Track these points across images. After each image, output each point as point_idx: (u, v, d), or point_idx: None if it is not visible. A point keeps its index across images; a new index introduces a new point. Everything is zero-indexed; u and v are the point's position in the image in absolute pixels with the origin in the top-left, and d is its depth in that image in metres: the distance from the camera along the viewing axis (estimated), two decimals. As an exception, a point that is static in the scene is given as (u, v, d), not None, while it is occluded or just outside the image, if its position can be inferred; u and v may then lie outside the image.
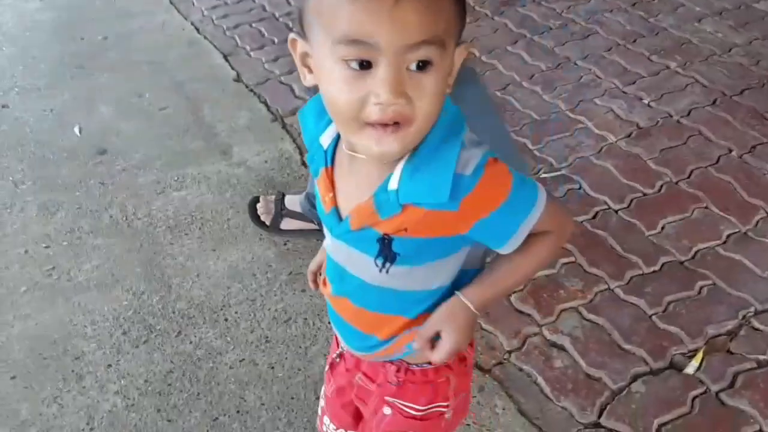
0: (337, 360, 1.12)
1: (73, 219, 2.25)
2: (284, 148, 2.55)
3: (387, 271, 0.88)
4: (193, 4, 3.62)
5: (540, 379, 1.74)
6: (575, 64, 2.95)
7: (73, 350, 1.82)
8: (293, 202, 2.15)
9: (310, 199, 2.08)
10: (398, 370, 1.03)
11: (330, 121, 0.89)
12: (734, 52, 2.96)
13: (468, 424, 1.63)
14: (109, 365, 1.78)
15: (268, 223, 2.16)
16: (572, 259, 2.06)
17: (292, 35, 0.80)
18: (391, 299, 0.93)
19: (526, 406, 1.68)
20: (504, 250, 0.88)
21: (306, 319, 1.90)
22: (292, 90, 2.85)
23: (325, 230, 0.96)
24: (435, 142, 0.81)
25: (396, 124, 0.75)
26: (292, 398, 1.70)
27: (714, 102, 2.67)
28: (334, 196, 0.90)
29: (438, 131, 0.81)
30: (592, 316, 1.89)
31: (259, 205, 2.19)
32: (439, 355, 0.94)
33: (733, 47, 2.99)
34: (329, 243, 0.96)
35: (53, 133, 2.66)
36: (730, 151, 2.43)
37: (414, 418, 1.05)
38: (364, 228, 0.86)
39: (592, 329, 1.86)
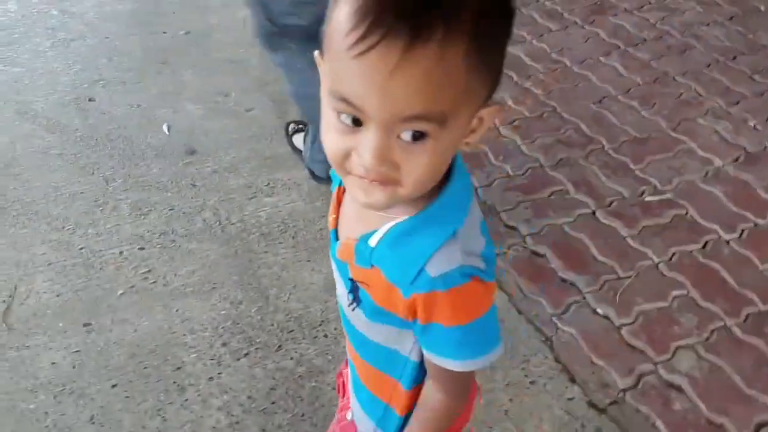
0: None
1: (166, 221, 2.21)
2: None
3: (353, 310, 0.88)
4: (274, 0, 3.57)
5: (659, 423, 1.65)
6: (674, 79, 2.83)
7: (174, 360, 1.79)
8: None
9: None
10: None
11: None
12: None
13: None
14: (211, 378, 1.74)
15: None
16: (684, 291, 1.97)
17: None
18: (364, 343, 0.93)
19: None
20: (434, 359, 0.83)
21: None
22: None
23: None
24: (425, 223, 0.76)
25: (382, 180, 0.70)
26: (398, 425, 1.64)
27: (831, 129, 2.54)
28: (337, 218, 0.89)
29: (435, 208, 0.76)
30: (710, 356, 1.80)
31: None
32: None
33: None
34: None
35: (141, 129, 2.63)
36: None
37: None
38: (344, 262, 0.86)
39: (711, 370, 1.77)
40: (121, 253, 2.10)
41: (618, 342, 1.84)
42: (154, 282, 2.00)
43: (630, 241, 2.14)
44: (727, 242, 2.12)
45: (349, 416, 1.09)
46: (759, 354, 1.80)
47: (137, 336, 1.85)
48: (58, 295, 1.96)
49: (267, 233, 2.17)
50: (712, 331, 1.86)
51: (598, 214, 2.23)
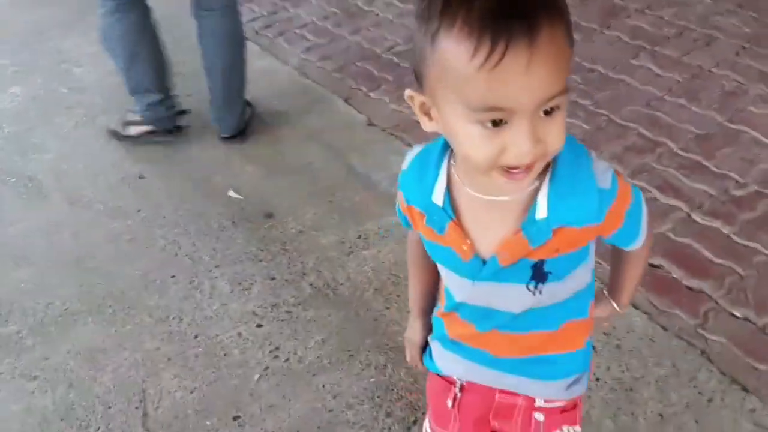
0: (460, 394, 1.11)
1: (272, 291, 2.10)
2: (453, 191, 2.42)
3: (540, 292, 0.92)
4: (286, 48, 3.48)
5: None
6: (710, 71, 2.86)
7: (343, 440, 1.68)
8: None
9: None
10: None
11: (435, 177, 0.91)
12: None
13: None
14: (390, 453, 1.65)
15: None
16: (810, 280, 1.96)
17: (408, 92, 0.84)
18: (542, 316, 0.97)
19: None
20: (634, 247, 1.01)
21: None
22: (432, 128, 2.73)
23: (454, 277, 0.97)
24: (568, 166, 0.86)
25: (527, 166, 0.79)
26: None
27: None
28: (472, 244, 0.91)
29: (564, 154, 0.84)
30: None
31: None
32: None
33: None
34: (465, 289, 0.96)
35: (207, 199, 2.49)
36: None
37: (565, 410, 1.08)
38: (516, 262, 0.89)
39: None
40: (239, 334, 1.97)
41: (769, 342, 1.82)
42: (286, 360, 1.89)
43: (736, 238, 2.12)
44: (831, 226, 2.14)
45: (540, 417, 1.08)
46: None
47: (295, 421, 1.73)
48: (191, 392, 1.83)
49: (380, 288, 2.07)
50: None
51: (694, 216, 2.22)
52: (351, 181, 2.52)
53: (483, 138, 0.76)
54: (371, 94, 3.02)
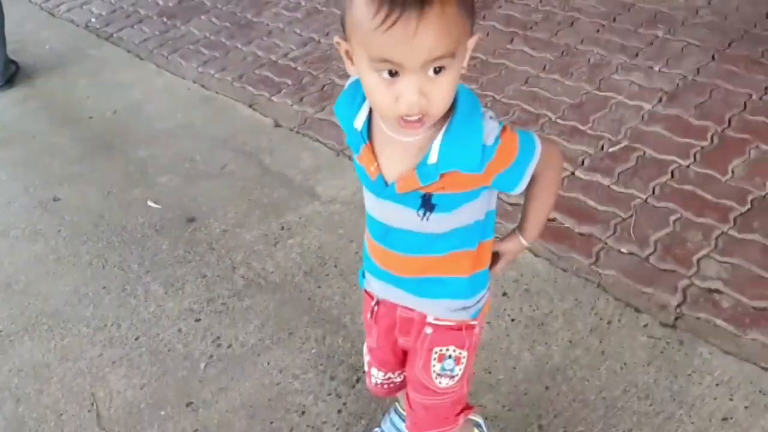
0: (376, 308, 1.28)
1: (205, 288, 2.17)
2: (363, 177, 2.57)
3: (427, 219, 1.08)
4: (182, 64, 3.53)
5: (720, 321, 1.89)
6: (576, 48, 3.16)
7: (295, 407, 1.78)
8: None
9: None
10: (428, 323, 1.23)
11: (359, 106, 1.07)
12: (702, 14, 3.28)
13: (690, 375, 1.76)
14: (339, 411, 1.76)
15: None
16: (678, 215, 2.24)
17: (336, 38, 0.99)
18: (430, 242, 1.12)
19: (725, 347, 1.83)
20: (515, 192, 1.10)
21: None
22: (335, 123, 2.87)
23: (368, 194, 1.13)
24: (461, 120, 1.00)
25: (420, 118, 0.94)
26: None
27: (713, 58, 2.96)
28: (379, 166, 1.06)
29: (461, 111, 1.00)
30: (726, 258, 2.07)
31: None
32: (499, 271, 1.28)
33: (699, 9, 3.31)
34: (374, 204, 1.13)
35: (128, 212, 2.53)
36: (751, 95, 2.72)
37: (453, 329, 1.23)
38: (409, 192, 1.05)
39: (733, 268, 2.04)
40: (180, 330, 2.04)
41: (652, 270, 2.07)
42: (229, 346, 1.97)
43: (614, 187, 2.39)
44: (687, 167, 2.44)
45: (428, 330, 1.23)
46: (761, 245, 2.11)
47: (246, 398, 1.82)
48: (141, 388, 1.88)
49: (309, 271, 2.19)
50: (716, 239, 2.15)
51: (577, 173, 2.47)
52: (267, 180, 2.63)
53: (380, 85, 0.91)
54: (274, 99, 3.13)
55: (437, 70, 0.90)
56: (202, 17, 3.94)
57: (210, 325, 2.04)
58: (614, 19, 3.33)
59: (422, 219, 1.09)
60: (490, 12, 3.54)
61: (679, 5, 3.37)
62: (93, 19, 4.09)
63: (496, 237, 1.21)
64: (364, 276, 1.30)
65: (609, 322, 1.91)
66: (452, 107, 1.00)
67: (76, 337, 2.05)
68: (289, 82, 3.23)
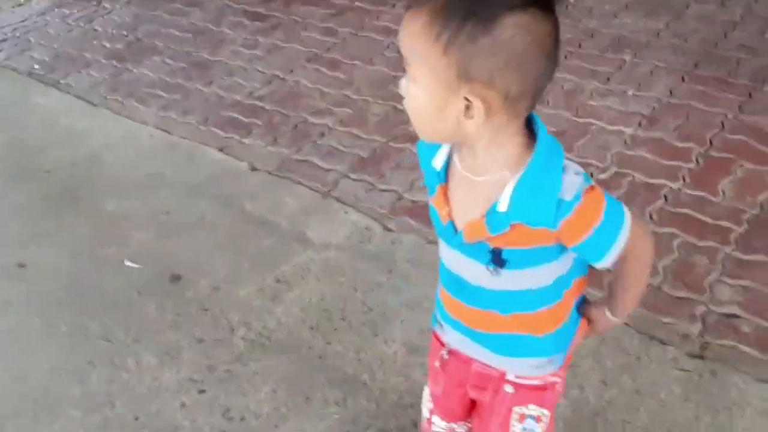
0: (447, 357, 1.19)
1: (203, 353, 1.99)
2: (355, 220, 2.44)
3: (498, 275, 1.01)
4: (140, 108, 3.32)
5: (743, 347, 1.85)
6: (547, 76, 3.13)
7: (325, 482, 1.62)
8: None
9: None
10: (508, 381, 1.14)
11: (439, 146, 1.03)
12: (663, 36, 3.32)
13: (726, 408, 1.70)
14: (375, 482, 1.62)
15: None
16: (681, 239, 2.21)
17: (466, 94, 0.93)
18: (504, 298, 1.04)
19: (757, 374, 1.78)
20: (600, 266, 1.00)
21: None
22: (316, 164, 2.74)
23: (440, 240, 1.07)
24: (538, 168, 0.93)
25: None
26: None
27: (683, 79, 2.98)
28: (450, 211, 1.01)
29: (539, 158, 0.93)
30: (736, 281, 2.04)
31: None
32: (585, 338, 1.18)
33: (659, 32, 3.36)
34: (445, 252, 1.07)
35: (104, 274, 2.31)
36: (726, 115, 2.74)
37: (536, 388, 1.14)
38: (477, 241, 0.99)
39: (745, 290, 2.01)
40: (183, 404, 1.84)
41: (667, 298, 2.02)
42: (242, 419, 1.79)
43: (612, 215, 2.35)
44: (679, 189, 2.42)
45: (509, 389, 1.13)
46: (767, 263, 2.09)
47: (270, 476, 1.65)
48: (150, 475, 1.68)
49: (315, 326, 2.04)
50: (722, 262, 2.12)
51: (573, 202, 2.42)
52: (250, 228, 2.46)
53: None
54: (245, 141, 2.97)
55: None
56: (155, 58, 3.74)
57: (216, 395, 1.86)
58: (579, 45, 3.33)
59: (492, 275, 1.01)
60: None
61: (639, 29, 3.40)
62: (36, 66, 3.82)
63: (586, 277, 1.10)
64: (436, 320, 1.19)
65: (638, 358, 1.84)
66: (531, 153, 0.93)
67: (67, 421, 1.83)
68: (259, 122, 3.08)
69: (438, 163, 1.02)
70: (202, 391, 1.88)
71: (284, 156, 2.83)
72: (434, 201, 1.04)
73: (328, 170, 2.71)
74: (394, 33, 3.75)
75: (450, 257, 1.07)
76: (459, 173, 0.99)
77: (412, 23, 0.87)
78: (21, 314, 2.19)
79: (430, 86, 0.89)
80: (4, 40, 4.13)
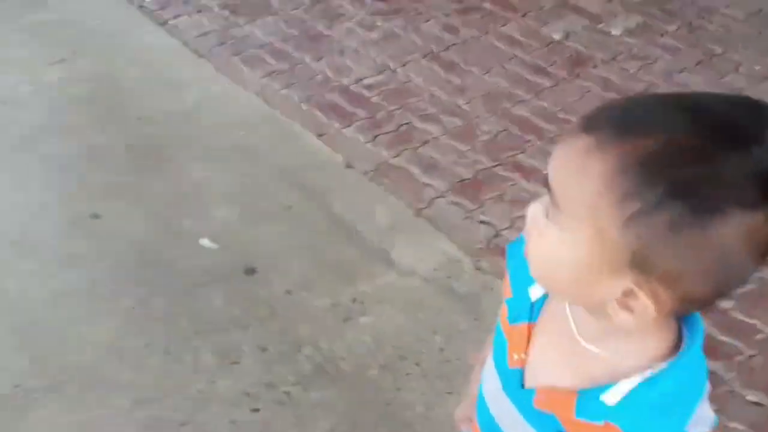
0: None
1: (265, 366, 1.83)
2: (445, 249, 2.24)
3: None
4: (244, 70, 3.16)
5: None
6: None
7: None
8: None
9: None
10: None
11: None
12: None
13: None
14: None
15: None
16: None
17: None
18: None
19: None
20: None
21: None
22: (413, 175, 2.54)
23: (492, 369, 0.85)
24: (674, 384, 0.71)
25: None
26: None
27: None
28: (526, 359, 0.80)
29: (676, 372, 0.71)
30: None
31: None
32: None
33: None
34: (492, 387, 0.85)
35: (174, 248, 2.17)
36: None
37: None
38: (548, 413, 0.76)
39: None
40: (234, 422, 1.70)
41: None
42: (294, 453, 1.65)
43: (736, 314, 2.09)
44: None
45: None
46: None
47: None
48: (185, 496, 1.55)
49: (386, 364, 1.86)
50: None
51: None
52: (335, 232, 2.29)
53: None
54: (344, 131, 2.79)
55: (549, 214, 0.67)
56: (268, 18, 3.56)
57: (270, 419, 1.71)
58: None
59: None
60: (584, 70, 3.22)
61: None
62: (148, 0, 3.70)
63: None
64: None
65: None
66: (671, 355, 0.71)
67: (113, 410, 1.70)
68: (362, 113, 2.88)
69: (535, 293, 0.80)
70: (255, 410, 1.73)
71: (382, 157, 2.63)
72: (508, 331, 0.82)
73: (425, 185, 2.51)
74: (519, 45, 3.52)
75: (496, 397, 0.84)
76: (560, 323, 0.76)
77: (586, 158, 0.61)
78: (87, 273, 2.07)
79: (583, 249, 0.64)
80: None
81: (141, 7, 3.63)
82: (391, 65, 3.21)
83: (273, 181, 2.50)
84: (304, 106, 2.92)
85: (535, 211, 0.69)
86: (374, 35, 3.44)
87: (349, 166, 2.60)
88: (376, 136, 2.75)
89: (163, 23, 3.49)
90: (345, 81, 3.10)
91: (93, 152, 2.57)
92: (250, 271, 2.12)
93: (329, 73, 3.15)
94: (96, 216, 2.28)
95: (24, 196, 2.34)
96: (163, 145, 2.63)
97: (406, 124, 2.83)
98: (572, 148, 0.63)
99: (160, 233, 2.23)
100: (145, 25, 3.45)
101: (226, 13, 3.60)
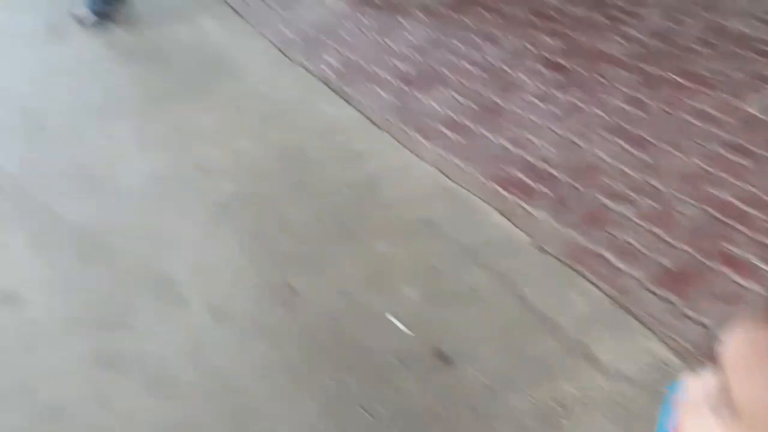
0: None
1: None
2: (651, 347, 2.05)
3: None
4: (422, 143, 3.16)
5: None
6: None
7: None
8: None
9: None
10: None
11: None
12: None
13: None
14: None
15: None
16: None
17: None
18: None
19: None
20: None
21: None
22: (609, 261, 2.38)
23: None
24: None
25: None
26: None
27: None
28: None
29: None
30: None
31: None
32: None
33: None
34: None
35: (365, 327, 2.14)
36: None
37: None
38: None
39: None
40: None
41: None
42: None
43: None
44: None
45: None
46: None
47: None
48: None
49: (599, 479, 1.70)
50: None
51: None
52: (528, 321, 2.17)
53: None
54: (530, 209, 2.69)
55: None
56: (443, 90, 3.57)
57: None
58: None
59: None
60: None
61: None
62: (327, 70, 3.84)
63: None
64: None
65: None
66: None
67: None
68: (547, 191, 2.77)
69: None
70: None
71: (572, 240, 2.50)
72: None
73: (623, 273, 2.34)
74: (713, 121, 3.29)
75: None
76: None
77: None
78: (281, 347, 2.08)
79: None
80: (302, 39, 4.22)
81: (321, 78, 3.78)
82: (575, 139, 3.09)
83: (456, 259, 2.43)
84: (483, 181, 2.86)
85: (695, 393, 0.58)
86: (553, 107, 3.35)
87: (537, 247, 2.49)
88: (564, 216, 2.62)
89: (342, 94, 3.60)
90: (526, 156, 3.01)
91: (284, 223, 2.63)
92: (442, 357, 2.04)
93: (509, 147, 3.08)
94: (292, 288, 2.31)
95: (222, 262, 2.42)
96: (348, 217, 2.65)
97: (596, 203, 2.68)
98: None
99: (352, 310, 2.21)
100: (326, 96, 3.57)
101: (402, 84, 3.66)
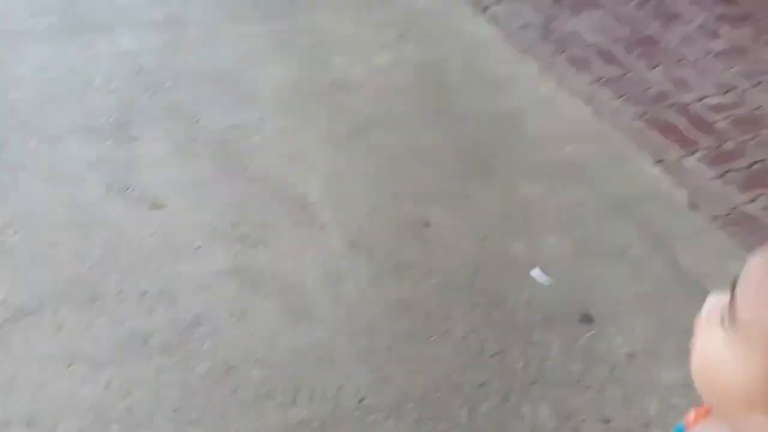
0: None
1: (609, 444, 1.67)
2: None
3: None
4: (570, 72, 2.93)
5: None
6: None
7: None
8: None
9: None
10: None
11: None
12: None
13: None
14: None
15: None
16: None
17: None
18: None
19: None
20: None
21: None
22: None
23: None
24: None
25: None
26: None
27: None
28: None
29: None
30: None
31: None
32: None
33: None
34: None
35: (505, 276, 2.05)
36: None
37: None
38: None
39: None
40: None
41: None
42: None
43: None
44: None
45: None
46: None
47: None
48: None
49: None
50: None
51: None
52: (680, 288, 2.02)
53: None
54: (686, 160, 2.46)
55: None
56: (595, 12, 3.28)
57: None
58: None
59: None
60: None
61: None
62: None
63: None
64: None
65: None
66: None
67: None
68: (707, 141, 2.53)
69: None
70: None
71: (733, 201, 2.28)
72: None
73: (791, 246, 2.12)
74: None
75: None
76: None
77: None
78: (417, 287, 2.03)
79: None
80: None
81: (462, -10, 3.52)
82: (741, 85, 2.78)
83: (606, 212, 2.27)
84: (638, 123, 2.64)
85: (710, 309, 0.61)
86: (718, 45, 3.01)
87: (694, 206, 2.29)
88: (725, 172, 2.39)
89: (483, 9, 3.36)
90: (685, 98, 2.74)
91: (421, 150, 2.53)
92: (586, 320, 1.94)
93: (666, 87, 2.81)
94: (427, 224, 2.24)
95: (358, 189, 2.37)
96: (490, 154, 2.52)
97: (760, 162, 2.43)
98: None
99: (489, 255, 2.13)
100: (465, 11, 3.35)
101: (549, 2, 3.37)
